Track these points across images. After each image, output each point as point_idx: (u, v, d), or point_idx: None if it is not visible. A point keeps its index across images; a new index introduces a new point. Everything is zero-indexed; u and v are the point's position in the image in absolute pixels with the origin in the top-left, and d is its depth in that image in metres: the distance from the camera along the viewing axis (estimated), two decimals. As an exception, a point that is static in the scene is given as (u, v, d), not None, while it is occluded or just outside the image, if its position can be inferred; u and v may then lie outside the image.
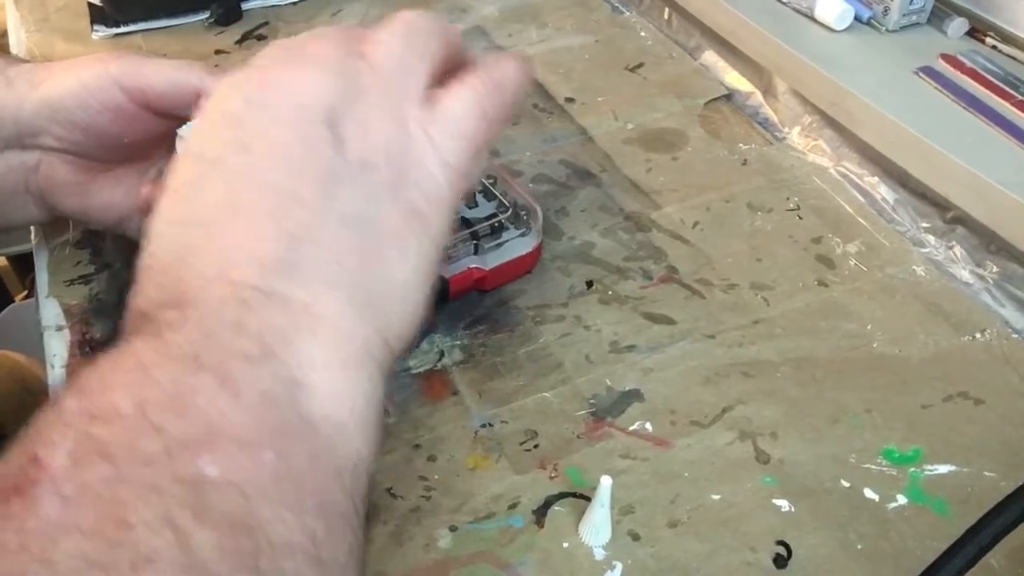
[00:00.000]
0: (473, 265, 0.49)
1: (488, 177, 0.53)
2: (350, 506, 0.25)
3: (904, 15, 0.65)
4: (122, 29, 0.75)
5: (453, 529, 0.40)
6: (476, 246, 0.49)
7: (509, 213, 0.51)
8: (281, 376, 0.25)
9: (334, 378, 0.26)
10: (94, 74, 0.43)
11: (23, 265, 1.35)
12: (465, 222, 0.50)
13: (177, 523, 0.21)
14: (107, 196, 0.48)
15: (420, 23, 0.33)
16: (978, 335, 0.49)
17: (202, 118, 0.31)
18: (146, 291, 0.28)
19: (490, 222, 0.50)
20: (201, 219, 0.28)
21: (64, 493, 0.21)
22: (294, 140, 0.28)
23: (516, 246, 0.51)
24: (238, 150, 0.28)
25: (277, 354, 0.25)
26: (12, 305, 1.21)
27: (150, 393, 0.24)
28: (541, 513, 0.41)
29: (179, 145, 0.44)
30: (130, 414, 0.23)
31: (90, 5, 0.76)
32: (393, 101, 0.30)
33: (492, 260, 0.50)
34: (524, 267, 0.52)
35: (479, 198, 0.52)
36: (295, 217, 0.27)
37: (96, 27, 0.75)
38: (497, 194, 0.52)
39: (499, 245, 0.50)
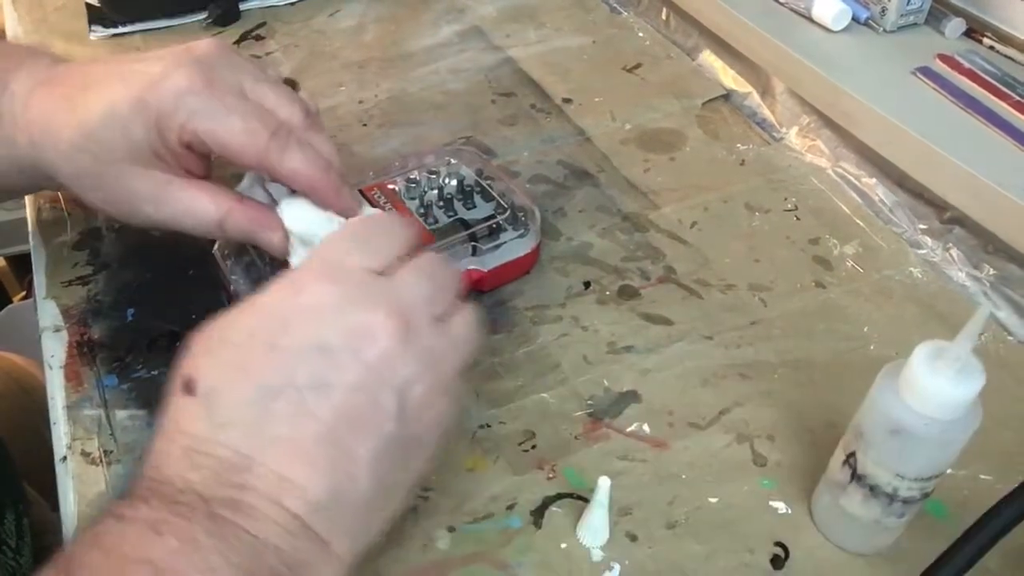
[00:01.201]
0: (471, 266, 0.49)
1: (486, 178, 0.53)
2: None
3: (901, 15, 0.65)
4: (120, 29, 0.74)
5: (451, 530, 0.40)
6: (474, 247, 0.49)
7: (507, 214, 0.51)
8: None
9: None
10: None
11: (21, 266, 1.35)
12: (463, 223, 0.50)
13: None
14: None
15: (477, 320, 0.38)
16: (975, 337, 0.49)
17: (302, 305, 0.34)
18: (208, 474, 0.32)
19: (488, 223, 0.50)
20: (271, 437, 0.32)
21: None
22: (367, 402, 0.33)
23: (514, 247, 0.51)
24: (319, 386, 0.33)
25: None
26: (10, 306, 1.21)
27: None
28: (539, 514, 0.41)
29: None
30: None
31: (88, 5, 0.76)
32: (448, 383, 0.35)
33: (490, 261, 0.50)
34: (522, 268, 0.52)
35: (477, 199, 0.52)
36: (345, 472, 0.32)
37: (94, 27, 0.74)
38: (495, 195, 0.52)
39: (497, 246, 0.50)
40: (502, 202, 0.52)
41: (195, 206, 0.44)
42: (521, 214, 0.51)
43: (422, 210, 0.51)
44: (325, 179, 0.42)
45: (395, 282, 0.35)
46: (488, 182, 0.53)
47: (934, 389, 0.32)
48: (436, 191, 0.52)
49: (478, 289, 0.51)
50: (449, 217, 0.51)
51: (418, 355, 0.34)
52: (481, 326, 0.38)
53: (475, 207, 0.52)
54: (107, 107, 0.42)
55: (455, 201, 0.52)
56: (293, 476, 0.32)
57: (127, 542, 0.30)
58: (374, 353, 0.33)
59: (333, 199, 0.43)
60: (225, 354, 0.34)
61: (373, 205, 0.51)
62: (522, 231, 0.51)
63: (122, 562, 0.29)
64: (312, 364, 0.33)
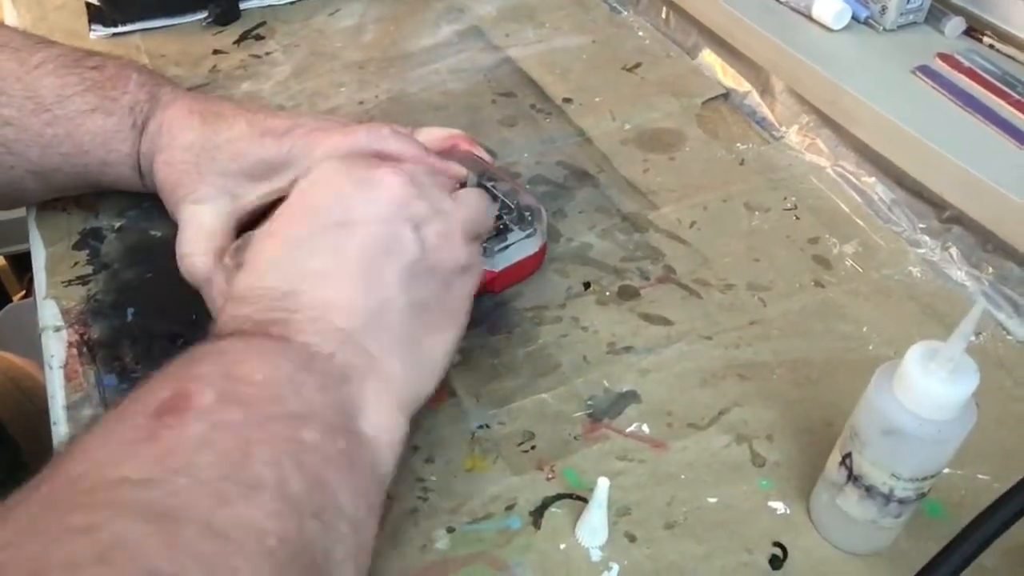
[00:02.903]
0: (483, 268, 0.49)
1: (488, 179, 0.53)
2: (378, 502, 0.34)
3: (901, 14, 0.65)
4: (120, 29, 0.75)
5: (451, 530, 0.40)
6: (484, 248, 0.49)
7: (513, 214, 0.51)
8: (352, 397, 0.34)
9: (383, 413, 0.35)
10: None
11: (21, 264, 1.35)
12: None
13: (283, 466, 0.30)
14: None
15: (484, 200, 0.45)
16: (972, 338, 0.49)
17: (311, 185, 0.39)
18: (259, 306, 0.35)
19: (495, 224, 0.50)
20: (311, 270, 0.36)
21: (210, 421, 0.29)
22: (388, 232, 0.37)
23: (523, 247, 0.51)
24: (343, 225, 0.37)
25: (352, 383, 0.34)
26: (10, 305, 1.21)
27: (276, 374, 0.32)
28: (538, 514, 0.41)
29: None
30: (261, 383, 0.32)
31: (88, 4, 0.76)
32: (459, 231, 0.40)
33: (500, 262, 0.50)
34: (531, 267, 0.52)
35: None
36: (380, 293, 0.36)
37: (94, 26, 0.75)
38: (499, 195, 0.52)
39: (506, 247, 0.50)
40: (507, 202, 0.52)
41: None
42: (527, 214, 0.51)
43: None
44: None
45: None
46: (491, 183, 0.53)
47: (928, 389, 0.32)
48: None
49: (490, 291, 0.51)
50: None
51: (426, 199, 0.39)
52: (483, 201, 0.44)
53: None
54: (230, 135, 0.50)
55: None
56: (335, 298, 0.36)
57: (189, 356, 0.33)
58: (385, 195, 0.38)
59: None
60: (255, 241, 0.39)
61: None
62: (529, 231, 0.51)
63: (187, 363, 0.33)
64: (331, 210, 0.37)
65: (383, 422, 0.35)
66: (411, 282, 0.37)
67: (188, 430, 0.29)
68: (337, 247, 0.37)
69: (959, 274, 0.53)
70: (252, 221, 0.49)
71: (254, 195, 0.50)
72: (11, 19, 0.77)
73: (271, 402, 0.31)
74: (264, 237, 0.38)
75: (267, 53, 0.73)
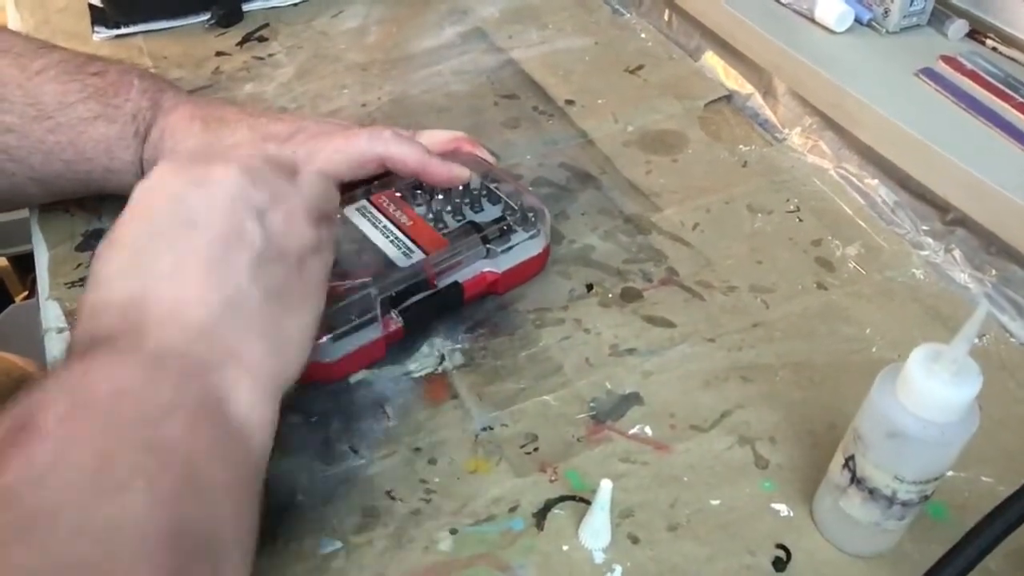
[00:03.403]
0: (486, 269, 0.49)
1: (492, 181, 0.53)
2: (258, 485, 0.34)
3: (904, 17, 0.65)
4: (123, 31, 0.75)
5: (453, 532, 0.40)
6: (488, 250, 0.49)
7: (517, 215, 0.51)
8: (215, 386, 0.34)
9: (249, 395, 0.35)
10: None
11: (24, 265, 1.35)
12: (474, 226, 0.50)
13: (148, 466, 0.29)
14: None
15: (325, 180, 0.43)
16: (976, 340, 0.49)
17: (146, 191, 0.38)
18: (107, 318, 0.34)
19: (498, 225, 0.50)
20: (158, 272, 0.35)
21: (56, 439, 0.29)
22: (230, 226, 0.36)
23: (526, 248, 0.51)
24: (185, 225, 0.36)
25: (212, 373, 0.34)
26: (12, 305, 1.22)
27: (124, 383, 0.32)
28: (541, 516, 0.41)
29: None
30: (109, 393, 0.31)
31: (91, 6, 0.76)
32: (303, 213, 0.39)
33: (504, 263, 0.50)
34: (535, 268, 0.52)
35: (484, 202, 0.52)
36: (232, 284, 0.36)
37: (97, 28, 0.75)
38: (503, 196, 0.52)
39: (509, 248, 0.50)
40: (511, 203, 0.52)
41: None
42: (531, 214, 0.51)
43: (431, 216, 0.51)
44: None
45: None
46: (494, 185, 0.53)
47: (931, 392, 0.32)
48: (442, 196, 0.52)
49: (494, 291, 0.51)
50: (458, 222, 0.51)
51: (264, 186, 0.38)
52: (326, 180, 0.42)
53: (483, 210, 0.52)
54: (233, 141, 0.50)
55: (463, 206, 0.52)
56: (185, 295, 0.35)
57: (32, 387, 0.32)
58: (222, 189, 0.37)
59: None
60: (99, 252, 0.37)
61: (382, 214, 0.51)
62: (533, 232, 0.51)
63: (30, 393, 0.31)
64: (171, 212, 0.37)
65: (251, 403, 0.35)
66: (261, 271, 0.37)
67: (36, 454, 0.28)
68: (182, 247, 0.36)
69: (962, 276, 0.53)
70: None
71: None
72: (14, 22, 0.77)
73: (123, 408, 0.31)
74: (107, 247, 0.37)
75: (270, 55, 0.73)
